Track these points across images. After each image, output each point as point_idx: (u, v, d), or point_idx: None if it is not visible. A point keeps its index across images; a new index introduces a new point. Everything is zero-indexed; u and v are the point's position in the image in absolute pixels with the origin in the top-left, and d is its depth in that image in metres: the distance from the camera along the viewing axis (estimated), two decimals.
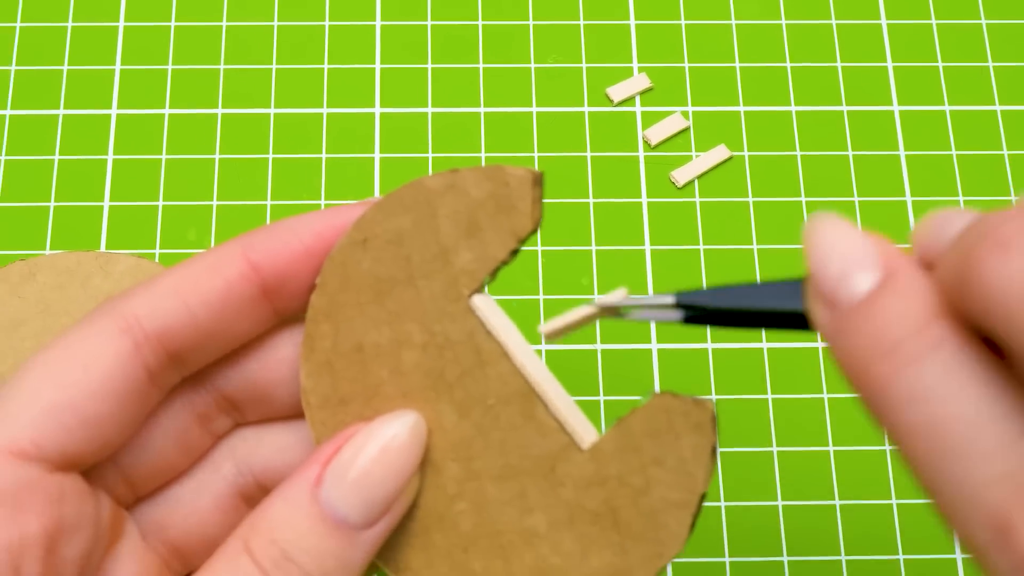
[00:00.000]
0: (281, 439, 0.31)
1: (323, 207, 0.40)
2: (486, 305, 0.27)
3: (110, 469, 0.29)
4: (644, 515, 0.27)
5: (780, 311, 0.25)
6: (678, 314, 0.25)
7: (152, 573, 0.29)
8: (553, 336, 0.27)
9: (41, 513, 0.26)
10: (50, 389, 0.26)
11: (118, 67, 0.43)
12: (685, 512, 0.26)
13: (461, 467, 0.28)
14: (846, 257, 0.23)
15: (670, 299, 0.25)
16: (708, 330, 0.39)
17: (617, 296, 0.27)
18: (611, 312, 0.27)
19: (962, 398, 0.21)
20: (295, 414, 0.31)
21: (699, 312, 0.25)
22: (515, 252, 0.27)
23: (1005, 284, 0.20)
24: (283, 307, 0.29)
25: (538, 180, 0.27)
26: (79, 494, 0.27)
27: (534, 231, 0.27)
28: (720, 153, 0.41)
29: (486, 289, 0.28)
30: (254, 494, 0.31)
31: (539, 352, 0.39)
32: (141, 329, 0.27)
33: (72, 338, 0.27)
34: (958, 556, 0.36)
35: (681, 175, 0.41)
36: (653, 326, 0.39)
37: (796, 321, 0.25)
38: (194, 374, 0.30)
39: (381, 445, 0.27)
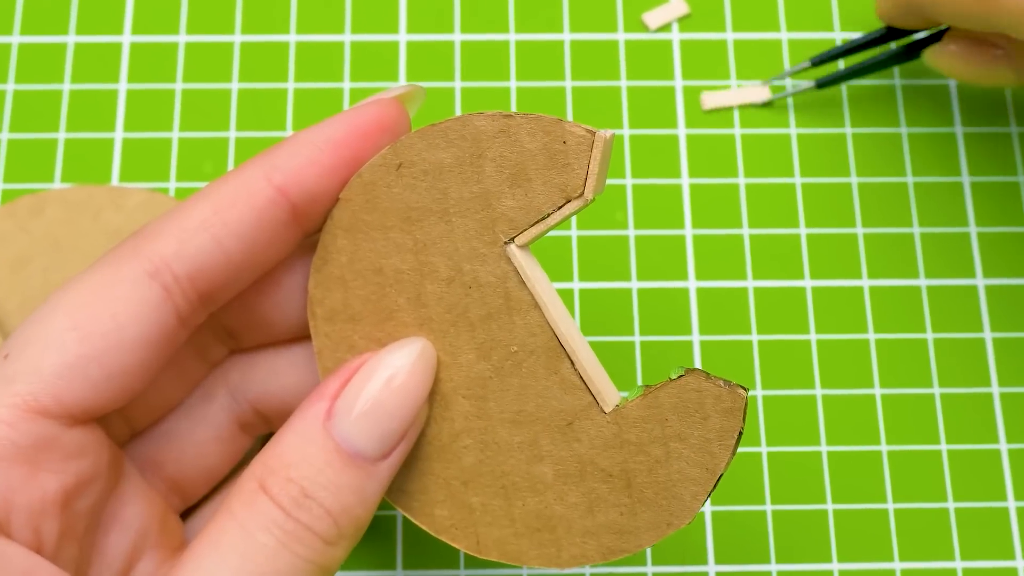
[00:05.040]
0: (274, 363, 0.30)
1: None
2: (523, 254, 0.27)
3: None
4: (658, 484, 0.27)
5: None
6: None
7: (157, 511, 0.29)
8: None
9: (60, 471, 0.26)
10: (75, 341, 0.25)
11: None
12: (701, 488, 0.27)
13: (472, 405, 0.28)
14: None
15: (811, 85, 0.39)
16: (749, 268, 0.38)
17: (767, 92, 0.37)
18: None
19: None
20: (292, 339, 0.30)
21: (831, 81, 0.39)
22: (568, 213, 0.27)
23: None
24: (311, 227, 0.28)
25: (601, 142, 0.26)
26: (96, 445, 0.27)
27: (588, 195, 0.26)
28: (760, 94, 0.40)
29: (525, 245, 0.27)
30: (251, 421, 0.31)
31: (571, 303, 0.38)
32: (171, 272, 0.26)
33: (96, 282, 0.26)
34: (1018, 563, 0.35)
35: (711, 99, 0.40)
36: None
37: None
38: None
39: (390, 374, 0.27)
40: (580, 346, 0.27)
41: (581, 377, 0.27)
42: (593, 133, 0.26)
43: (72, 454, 0.26)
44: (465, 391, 0.28)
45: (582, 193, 0.26)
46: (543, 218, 0.26)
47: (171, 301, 0.26)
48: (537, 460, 0.28)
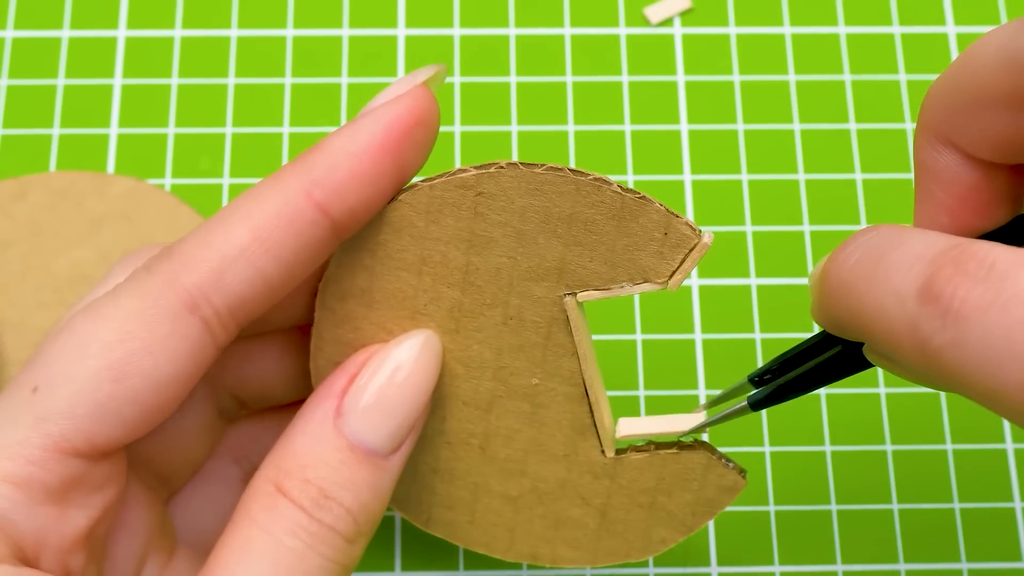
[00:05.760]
0: (250, 350, 0.30)
1: None
2: (578, 309, 0.27)
3: None
4: (631, 523, 0.29)
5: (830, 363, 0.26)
6: (747, 406, 0.27)
7: (156, 513, 0.29)
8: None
9: (87, 505, 0.26)
10: (110, 381, 0.25)
11: None
12: (671, 538, 0.29)
13: (469, 412, 0.28)
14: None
15: (744, 405, 0.27)
16: (751, 265, 0.38)
17: (699, 418, 0.28)
18: (698, 431, 0.28)
19: None
20: (271, 331, 0.30)
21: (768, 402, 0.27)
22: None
23: None
24: (348, 236, 0.28)
25: (703, 248, 0.26)
26: (119, 470, 0.27)
27: (672, 287, 0.26)
28: (686, 422, 0.29)
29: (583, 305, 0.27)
30: (228, 406, 0.31)
31: None
32: (211, 305, 0.26)
33: (132, 315, 0.26)
34: None
35: (626, 427, 0.29)
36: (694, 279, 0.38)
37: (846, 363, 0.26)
38: None
39: (395, 366, 0.27)
40: (602, 401, 0.28)
41: (594, 422, 0.28)
42: (699, 235, 0.25)
43: (99, 487, 0.26)
44: (467, 399, 0.28)
45: (666, 284, 0.26)
46: (616, 287, 0.26)
47: (210, 334, 0.26)
48: (519, 474, 0.29)
